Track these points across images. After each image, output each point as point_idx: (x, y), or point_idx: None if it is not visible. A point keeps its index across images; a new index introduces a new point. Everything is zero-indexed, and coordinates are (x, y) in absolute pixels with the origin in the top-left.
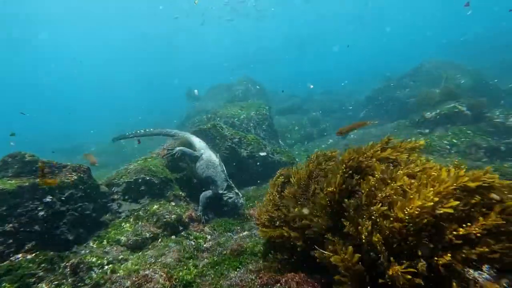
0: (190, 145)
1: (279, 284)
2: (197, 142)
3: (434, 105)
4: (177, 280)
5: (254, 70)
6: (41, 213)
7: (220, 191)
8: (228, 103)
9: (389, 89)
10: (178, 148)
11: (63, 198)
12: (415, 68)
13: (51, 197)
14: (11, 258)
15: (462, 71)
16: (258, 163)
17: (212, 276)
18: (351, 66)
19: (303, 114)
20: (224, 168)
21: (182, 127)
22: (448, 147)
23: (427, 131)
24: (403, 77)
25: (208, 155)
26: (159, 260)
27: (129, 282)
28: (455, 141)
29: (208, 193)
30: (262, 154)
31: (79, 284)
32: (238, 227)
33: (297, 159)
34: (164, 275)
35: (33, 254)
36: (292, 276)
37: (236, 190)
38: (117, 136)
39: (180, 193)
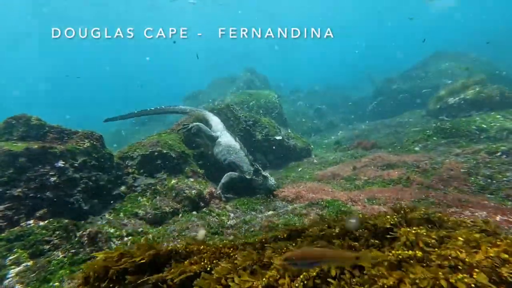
0: (206, 123)
1: None
2: (215, 121)
3: (455, 93)
4: None
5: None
6: (53, 178)
7: (248, 177)
8: (236, 93)
9: (399, 81)
10: (194, 124)
11: (76, 164)
12: (425, 59)
13: (63, 162)
14: (22, 224)
15: (475, 62)
16: (274, 147)
17: None
18: (352, 62)
19: (308, 107)
20: (247, 152)
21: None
22: (477, 132)
23: (449, 118)
24: (414, 69)
25: (227, 140)
26: (183, 233)
27: None
28: (484, 126)
29: (234, 174)
30: (277, 138)
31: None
32: (262, 207)
33: (312, 146)
34: None
35: (46, 221)
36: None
37: (264, 173)
38: (112, 117)
39: (199, 170)
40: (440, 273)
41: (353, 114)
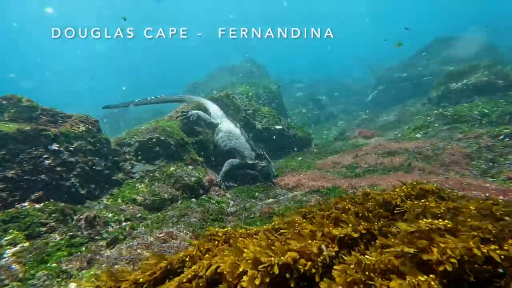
0: (205, 111)
1: None
2: (214, 109)
3: (457, 79)
4: None
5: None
6: (47, 161)
7: (250, 161)
8: (235, 83)
9: (400, 69)
10: (194, 111)
11: (71, 148)
12: (426, 46)
13: (57, 145)
14: (16, 205)
15: (479, 47)
16: (274, 137)
17: None
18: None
19: (308, 98)
20: (248, 137)
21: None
22: (479, 117)
23: (451, 105)
24: (415, 56)
25: (227, 126)
26: (182, 220)
27: (152, 237)
28: (486, 110)
29: (235, 161)
30: (278, 127)
31: (96, 237)
32: (262, 194)
33: (312, 136)
34: (190, 234)
35: (42, 204)
36: None
37: (268, 158)
38: (111, 105)
39: (198, 157)
40: (471, 242)
41: (353, 104)
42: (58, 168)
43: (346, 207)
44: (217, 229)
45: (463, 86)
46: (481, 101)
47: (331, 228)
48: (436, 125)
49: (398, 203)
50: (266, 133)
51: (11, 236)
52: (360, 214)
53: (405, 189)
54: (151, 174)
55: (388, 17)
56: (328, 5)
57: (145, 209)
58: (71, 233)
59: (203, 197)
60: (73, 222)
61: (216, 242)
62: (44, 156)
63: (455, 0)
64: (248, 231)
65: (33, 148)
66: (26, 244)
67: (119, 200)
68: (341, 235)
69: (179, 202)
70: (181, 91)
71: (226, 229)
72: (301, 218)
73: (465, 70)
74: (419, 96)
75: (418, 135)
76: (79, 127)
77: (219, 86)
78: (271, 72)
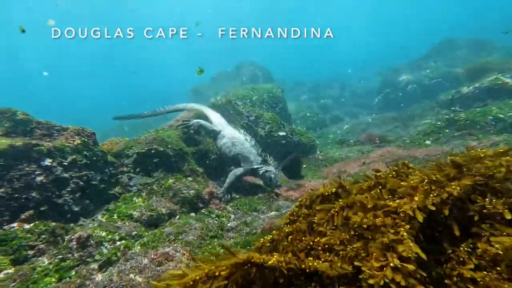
0: (206, 119)
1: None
2: (216, 117)
3: (471, 81)
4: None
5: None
6: (39, 178)
7: (256, 166)
8: (239, 88)
9: (407, 71)
10: (195, 120)
11: (65, 163)
12: (435, 47)
13: (50, 161)
14: (5, 227)
15: (490, 48)
16: (277, 144)
17: None
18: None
19: (312, 101)
20: (255, 143)
21: None
22: (493, 123)
23: (462, 109)
24: (421, 59)
25: (231, 132)
26: (180, 237)
27: (146, 259)
28: (501, 116)
29: (239, 170)
30: (281, 133)
31: (88, 259)
32: (264, 207)
33: (317, 142)
34: (187, 254)
35: (32, 224)
36: None
37: (273, 165)
38: (121, 116)
39: (197, 168)
40: None
41: (359, 107)
42: (51, 185)
43: None
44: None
45: (475, 90)
46: (495, 105)
47: None
48: (447, 130)
49: None
50: (269, 140)
51: None
52: None
53: None
54: (149, 187)
55: (395, 18)
56: (334, 5)
57: (141, 226)
58: (60, 256)
59: (202, 210)
60: (64, 243)
61: None
62: (36, 173)
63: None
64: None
65: (25, 164)
66: (11, 270)
67: (115, 216)
68: None
69: (177, 217)
70: (185, 95)
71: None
72: None
73: (477, 72)
74: (427, 99)
75: (428, 142)
76: (74, 140)
77: (223, 90)
78: (275, 75)
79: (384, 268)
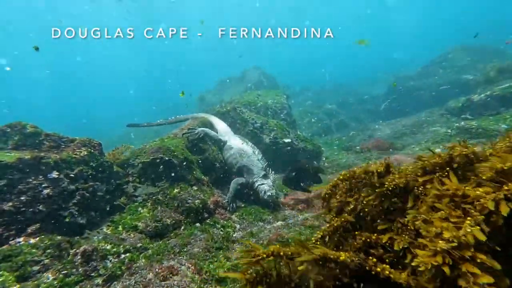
0: (212, 128)
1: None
2: (222, 126)
3: (481, 88)
4: (208, 274)
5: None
6: (46, 191)
7: (255, 179)
8: (243, 94)
9: (415, 77)
10: (200, 129)
11: (71, 175)
12: (445, 54)
13: (57, 173)
14: (11, 242)
15: (501, 55)
16: (282, 151)
17: None
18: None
19: (318, 107)
20: (261, 156)
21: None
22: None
23: (472, 117)
24: (431, 65)
25: (237, 143)
26: (185, 249)
27: (151, 274)
28: None
29: (241, 179)
30: (286, 140)
31: (92, 274)
32: (270, 217)
33: (322, 148)
34: (192, 267)
35: (37, 238)
36: None
37: (271, 180)
38: (134, 123)
39: (203, 177)
40: None
41: (365, 113)
42: (57, 198)
43: None
44: None
45: (487, 97)
46: (509, 113)
47: None
48: (458, 139)
49: None
50: (274, 147)
51: (0, 279)
52: None
53: None
54: (154, 197)
55: (401, 24)
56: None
57: (146, 237)
58: (65, 271)
59: (207, 221)
60: (69, 258)
61: None
62: (43, 185)
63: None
64: None
65: (32, 177)
66: (16, 287)
67: (120, 228)
68: None
69: (182, 228)
70: (192, 104)
71: None
72: None
73: (490, 79)
74: (436, 106)
75: (438, 150)
76: (81, 152)
77: (228, 96)
78: (280, 80)
79: None
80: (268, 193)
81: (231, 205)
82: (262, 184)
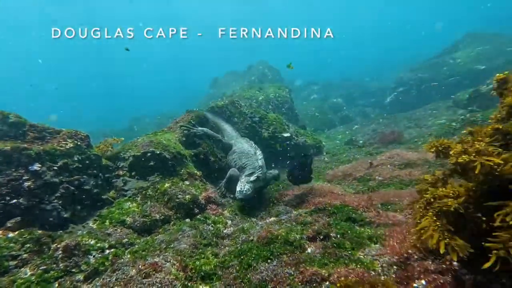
0: (217, 131)
1: (327, 282)
2: (228, 130)
3: (492, 78)
4: (194, 271)
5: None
6: (27, 183)
7: (243, 176)
8: (245, 88)
9: (422, 69)
10: (200, 128)
11: (55, 167)
12: (454, 43)
13: (39, 166)
14: None
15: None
16: (281, 145)
17: (237, 268)
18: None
19: (323, 100)
20: (261, 158)
21: None
22: None
23: (480, 109)
24: (440, 55)
25: (241, 146)
26: (171, 246)
27: (134, 270)
28: None
29: (233, 170)
30: (285, 135)
31: (73, 270)
32: (263, 212)
33: (324, 143)
34: (177, 264)
35: (16, 232)
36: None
37: (252, 179)
38: None
39: (196, 171)
40: None
41: (370, 106)
42: (39, 191)
43: None
44: None
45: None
46: None
47: None
48: (463, 132)
49: None
50: (273, 141)
51: None
52: None
53: None
54: (144, 192)
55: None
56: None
57: (134, 232)
58: (44, 267)
59: (198, 216)
60: (49, 253)
61: None
62: (24, 178)
63: None
64: None
65: (13, 169)
66: None
67: (107, 223)
68: None
69: (171, 223)
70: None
71: None
72: None
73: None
74: (444, 99)
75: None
76: (66, 144)
77: (232, 90)
78: (285, 74)
79: None
80: (237, 193)
81: (224, 190)
82: (241, 182)
